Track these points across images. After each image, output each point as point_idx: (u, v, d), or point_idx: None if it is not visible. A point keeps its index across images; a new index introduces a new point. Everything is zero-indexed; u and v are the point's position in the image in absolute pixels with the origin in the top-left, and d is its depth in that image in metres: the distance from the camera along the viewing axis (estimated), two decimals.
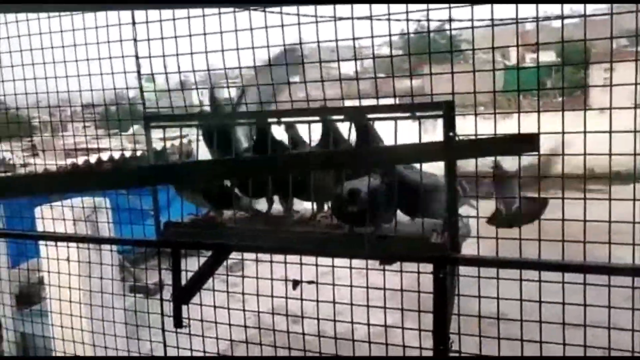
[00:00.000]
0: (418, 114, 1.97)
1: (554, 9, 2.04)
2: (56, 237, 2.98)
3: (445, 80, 2.08)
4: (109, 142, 3.91)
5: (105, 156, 8.52)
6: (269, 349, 2.45)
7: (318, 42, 2.14)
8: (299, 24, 2.10)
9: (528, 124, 1.93)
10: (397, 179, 2.00)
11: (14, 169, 7.99)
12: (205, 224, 2.40)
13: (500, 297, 1.99)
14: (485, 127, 1.99)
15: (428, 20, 2.14)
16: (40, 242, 4.28)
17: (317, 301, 2.26)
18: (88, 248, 3.42)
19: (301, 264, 2.26)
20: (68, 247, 3.23)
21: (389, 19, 2.02)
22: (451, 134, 1.94)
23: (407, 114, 1.98)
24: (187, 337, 2.59)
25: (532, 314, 1.97)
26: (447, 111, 1.92)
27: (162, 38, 2.28)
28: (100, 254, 3.75)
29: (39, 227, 4.25)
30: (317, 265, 2.25)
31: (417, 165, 2.06)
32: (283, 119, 2.17)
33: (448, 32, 2.23)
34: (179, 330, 2.51)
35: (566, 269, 1.86)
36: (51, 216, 3.55)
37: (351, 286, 2.19)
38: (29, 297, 6.51)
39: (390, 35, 2.08)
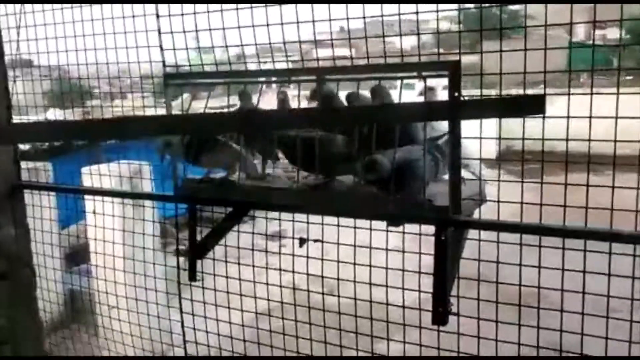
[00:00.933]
0: (424, 73, 1.95)
1: None
2: (85, 191, 3.13)
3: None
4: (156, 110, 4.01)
5: None
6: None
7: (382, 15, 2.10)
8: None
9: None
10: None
11: None
12: (221, 182, 2.47)
13: (500, 262, 1.97)
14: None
15: None
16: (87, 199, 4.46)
17: (322, 259, 2.31)
18: (131, 204, 3.58)
19: (307, 222, 2.30)
20: (113, 202, 3.38)
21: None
22: (456, 94, 1.92)
23: (414, 74, 1.97)
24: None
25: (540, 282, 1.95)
26: (453, 72, 1.90)
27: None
28: (143, 211, 3.90)
29: (85, 184, 4.46)
30: (322, 224, 2.29)
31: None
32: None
33: (508, 7, 2.18)
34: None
35: (567, 235, 1.82)
36: (97, 176, 3.71)
37: (355, 246, 2.22)
38: (76, 256, 6.88)
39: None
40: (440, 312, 2.07)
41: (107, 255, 3.53)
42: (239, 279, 2.60)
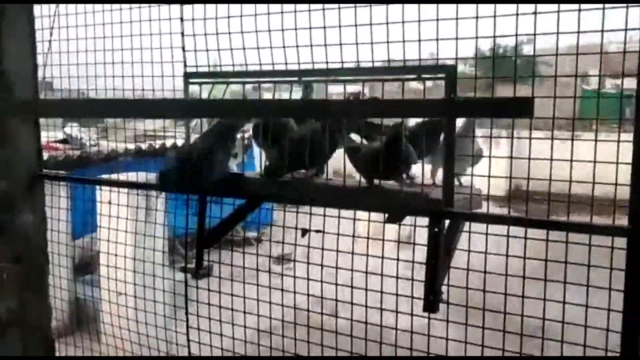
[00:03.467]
0: (423, 75, 2.13)
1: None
2: (101, 182, 3.31)
3: None
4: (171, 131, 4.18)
5: (169, 143, 9.07)
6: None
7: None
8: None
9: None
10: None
11: (85, 147, 8.63)
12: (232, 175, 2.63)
13: (488, 252, 2.11)
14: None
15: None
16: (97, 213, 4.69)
17: (322, 282, 2.45)
18: (136, 220, 3.77)
19: (308, 246, 2.45)
20: (118, 218, 3.58)
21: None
22: (452, 95, 2.09)
23: (414, 76, 2.14)
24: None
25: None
26: (450, 75, 2.07)
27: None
28: (154, 228, 4.11)
29: (98, 196, 4.67)
30: (324, 215, 2.44)
31: None
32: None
33: (524, 52, 2.33)
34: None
35: (550, 227, 1.96)
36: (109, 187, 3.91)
37: (353, 236, 2.36)
38: (86, 266, 7.06)
39: None
40: (431, 301, 2.20)
41: (117, 267, 3.74)
42: (244, 297, 2.76)
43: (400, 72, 2.20)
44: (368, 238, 2.35)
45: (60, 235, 3.61)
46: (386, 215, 2.33)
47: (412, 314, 2.31)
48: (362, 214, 2.43)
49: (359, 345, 2.47)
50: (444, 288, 2.19)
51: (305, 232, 2.47)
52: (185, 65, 2.67)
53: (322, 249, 2.46)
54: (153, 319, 3.56)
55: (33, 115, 2.63)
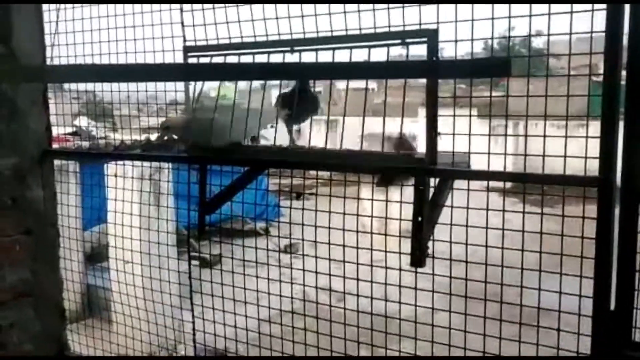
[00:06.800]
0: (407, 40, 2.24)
1: None
2: (109, 155, 3.43)
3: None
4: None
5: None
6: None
7: None
8: None
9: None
10: None
11: (95, 139, 8.82)
12: (230, 145, 2.76)
13: (469, 207, 2.22)
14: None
15: None
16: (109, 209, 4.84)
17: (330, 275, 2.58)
18: (149, 216, 3.93)
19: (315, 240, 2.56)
20: (132, 215, 3.74)
21: None
22: (434, 57, 2.20)
23: (398, 41, 2.25)
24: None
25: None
26: (432, 39, 2.19)
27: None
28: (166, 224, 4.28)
29: (109, 183, 4.83)
30: (329, 212, 2.55)
31: None
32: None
33: (533, 45, 2.43)
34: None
35: (527, 180, 2.07)
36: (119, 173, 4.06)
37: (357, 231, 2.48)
38: (97, 256, 7.25)
39: None
40: (418, 255, 2.31)
41: (126, 261, 3.90)
42: (244, 288, 2.90)
43: (385, 38, 2.31)
44: (372, 233, 2.47)
45: (70, 222, 3.74)
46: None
47: (415, 305, 2.41)
48: (365, 210, 2.54)
49: (365, 334, 2.58)
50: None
51: (299, 195, 2.60)
52: (184, 40, 2.80)
53: (329, 243, 2.58)
54: (164, 307, 3.69)
55: (41, 81, 2.76)
